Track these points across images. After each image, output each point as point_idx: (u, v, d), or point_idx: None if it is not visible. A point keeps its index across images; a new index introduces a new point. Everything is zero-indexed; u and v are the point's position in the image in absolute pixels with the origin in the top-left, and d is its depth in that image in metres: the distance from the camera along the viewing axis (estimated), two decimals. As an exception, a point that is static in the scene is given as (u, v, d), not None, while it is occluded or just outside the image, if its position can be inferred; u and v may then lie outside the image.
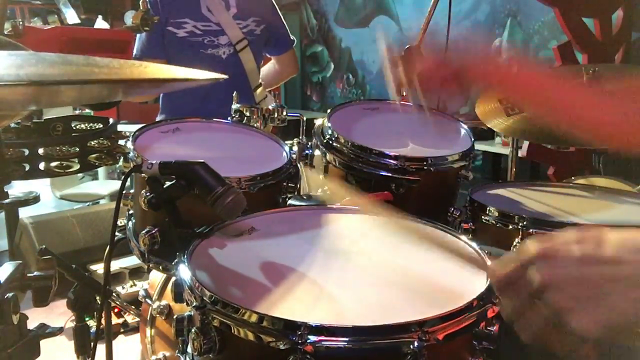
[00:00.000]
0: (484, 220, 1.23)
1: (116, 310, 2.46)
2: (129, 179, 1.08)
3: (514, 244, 1.14)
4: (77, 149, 1.43)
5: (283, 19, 2.31)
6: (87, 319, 1.22)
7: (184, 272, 0.78)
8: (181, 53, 2.08)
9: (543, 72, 0.96)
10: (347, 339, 0.65)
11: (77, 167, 1.44)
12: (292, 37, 2.36)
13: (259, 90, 2.21)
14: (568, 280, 0.56)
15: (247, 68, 2.16)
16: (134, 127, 1.28)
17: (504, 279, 0.61)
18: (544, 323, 0.57)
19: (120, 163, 1.14)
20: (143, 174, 0.96)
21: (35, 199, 1.55)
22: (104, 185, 4.03)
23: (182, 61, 2.03)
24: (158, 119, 2.14)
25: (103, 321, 1.26)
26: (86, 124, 1.57)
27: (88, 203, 3.71)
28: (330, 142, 1.29)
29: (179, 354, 0.84)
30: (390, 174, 1.21)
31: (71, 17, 4.96)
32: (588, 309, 0.55)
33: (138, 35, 2.11)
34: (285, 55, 2.38)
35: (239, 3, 2.13)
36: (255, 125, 1.38)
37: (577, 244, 0.58)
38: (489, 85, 0.99)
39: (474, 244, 0.89)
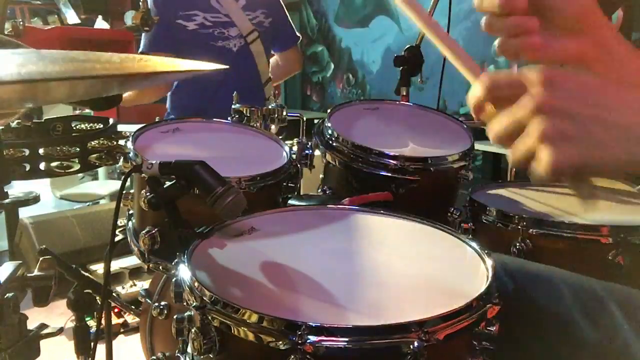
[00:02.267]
0: (484, 220, 1.22)
1: (116, 310, 2.46)
2: (129, 179, 1.08)
3: (514, 244, 1.14)
4: (77, 149, 1.43)
5: (289, 15, 2.31)
6: (87, 319, 1.22)
7: (184, 272, 0.78)
8: (191, 47, 2.06)
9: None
10: (347, 339, 0.65)
11: (77, 167, 1.44)
12: (297, 33, 2.36)
13: (268, 85, 2.21)
14: (558, 110, 0.56)
15: (259, 61, 2.15)
16: (134, 127, 1.27)
17: (500, 82, 0.60)
18: (527, 147, 0.57)
19: (120, 163, 1.14)
20: (143, 174, 0.96)
21: (35, 199, 1.55)
22: (104, 185, 4.03)
23: (191, 55, 2.02)
24: (166, 117, 2.13)
25: (103, 321, 1.26)
26: (86, 124, 1.57)
27: (88, 203, 3.71)
28: (330, 142, 1.28)
29: (179, 354, 0.84)
30: (390, 174, 1.21)
31: (71, 17, 4.96)
32: (571, 144, 0.55)
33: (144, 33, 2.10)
34: (290, 51, 2.37)
35: None
36: (255, 125, 1.38)
37: (584, 79, 0.57)
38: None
39: (473, 244, 0.89)
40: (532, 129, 0.56)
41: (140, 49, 2.15)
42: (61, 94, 0.72)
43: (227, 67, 0.80)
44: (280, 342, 0.65)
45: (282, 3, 2.30)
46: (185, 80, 2.09)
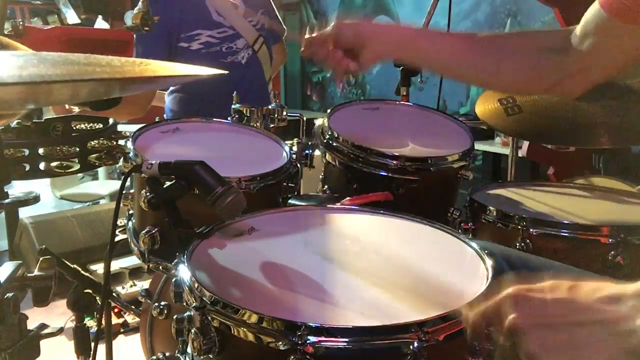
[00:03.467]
0: (484, 220, 1.23)
1: (116, 310, 2.46)
2: (129, 179, 1.08)
3: (514, 243, 1.14)
4: (77, 149, 1.43)
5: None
6: (87, 319, 1.22)
7: (184, 272, 0.78)
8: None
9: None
10: (347, 340, 0.65)
11: (77, 167, 1.43)
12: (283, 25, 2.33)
13: (269, 83, 2.19)
14: (535, 326, 0.57)
15: (265, 67, 2.11)
16: (134, 127, 1.27)
17: (480, 318, 0.62)
18: None
19: (120, 163, 1.14)
20: (143, 174, 0.96)
21: (35, 199, 1.54)
22: (104, 185, 4.04)
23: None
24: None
25: (103, 321, 1.26)
26: (86, 124, 1.56)
27: (88, 203, 3.71)
28: (330, 142, 1.28)
29: (178, 354, 0.84)
30: (390, 174, 1.21)
31: (71, 17, 4.96)
32: (554, 356, 0.55)
33: (135, 49, 2.01)
34: (279, 44, 2.34)
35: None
36: (255, 125, 1.38)
37: (550, 290, 0.58)
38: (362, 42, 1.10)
39: (474, 244, 0.89)
40: (516, 346, 0.57)
41: None
42: (63, 96, 0.73)
43: (227, 72, 0.80)
44: (280, 343, 0.65)
45: None
46: (193, 94, 2.02)
